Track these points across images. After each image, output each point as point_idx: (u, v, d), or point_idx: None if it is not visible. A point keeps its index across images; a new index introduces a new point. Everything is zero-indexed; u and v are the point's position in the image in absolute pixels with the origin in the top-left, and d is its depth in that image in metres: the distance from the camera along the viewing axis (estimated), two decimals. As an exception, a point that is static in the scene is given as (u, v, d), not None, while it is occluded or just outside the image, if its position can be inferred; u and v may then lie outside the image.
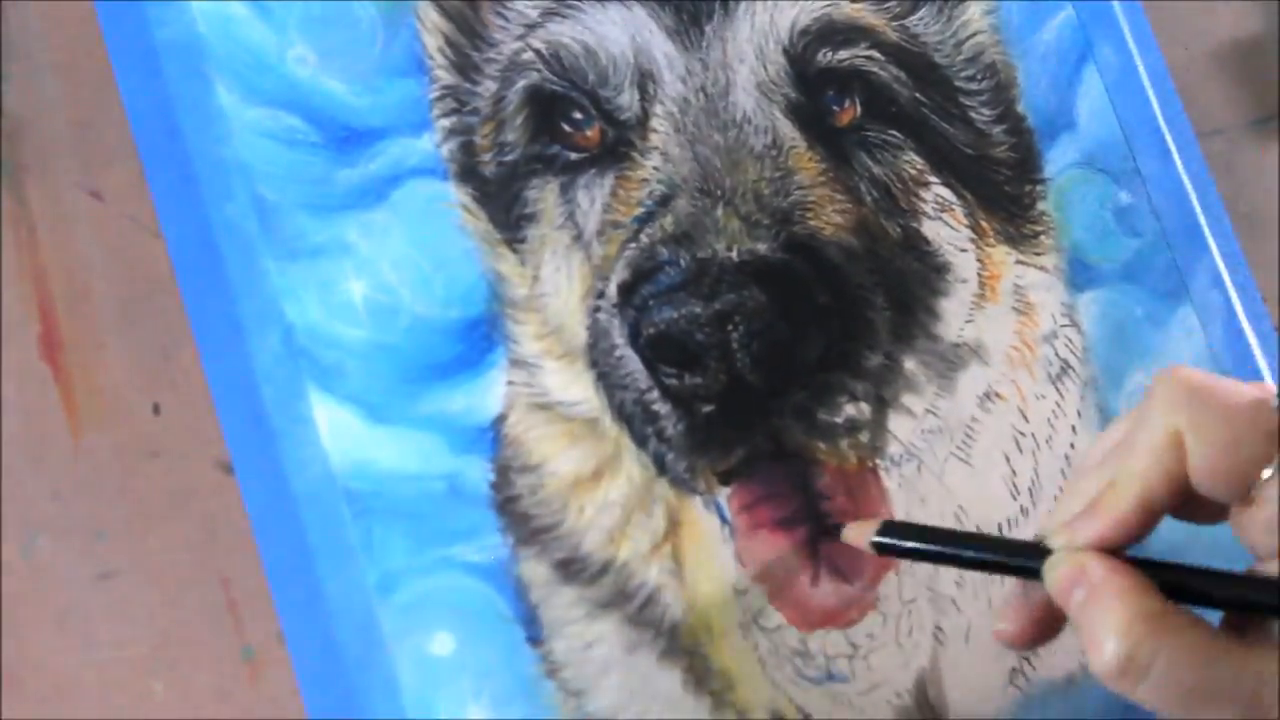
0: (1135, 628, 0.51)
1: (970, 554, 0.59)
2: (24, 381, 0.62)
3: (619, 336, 0.67)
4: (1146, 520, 0.54)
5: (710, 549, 0.68)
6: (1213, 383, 0.54)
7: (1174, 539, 0.57)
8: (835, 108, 0.73)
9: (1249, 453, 0.52)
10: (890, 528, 0.61)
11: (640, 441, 0.68)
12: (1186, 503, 0.55)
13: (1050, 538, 0.56)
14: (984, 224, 0.76)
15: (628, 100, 0.70)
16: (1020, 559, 0.57)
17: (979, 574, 0.70)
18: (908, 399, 0.71)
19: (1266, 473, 0.52)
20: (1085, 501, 0.56)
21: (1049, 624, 0.59)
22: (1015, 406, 0.74)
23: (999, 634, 0.59)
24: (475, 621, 0.64)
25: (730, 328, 0.65)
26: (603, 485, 0.68)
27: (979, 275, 0.75)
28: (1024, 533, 0.72)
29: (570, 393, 0.68)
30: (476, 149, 0.69)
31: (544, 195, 0.70)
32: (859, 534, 0.62)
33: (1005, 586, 0.70)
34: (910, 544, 0.60)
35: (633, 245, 0.68)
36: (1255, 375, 0.80)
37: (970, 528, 0.71)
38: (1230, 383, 0.55)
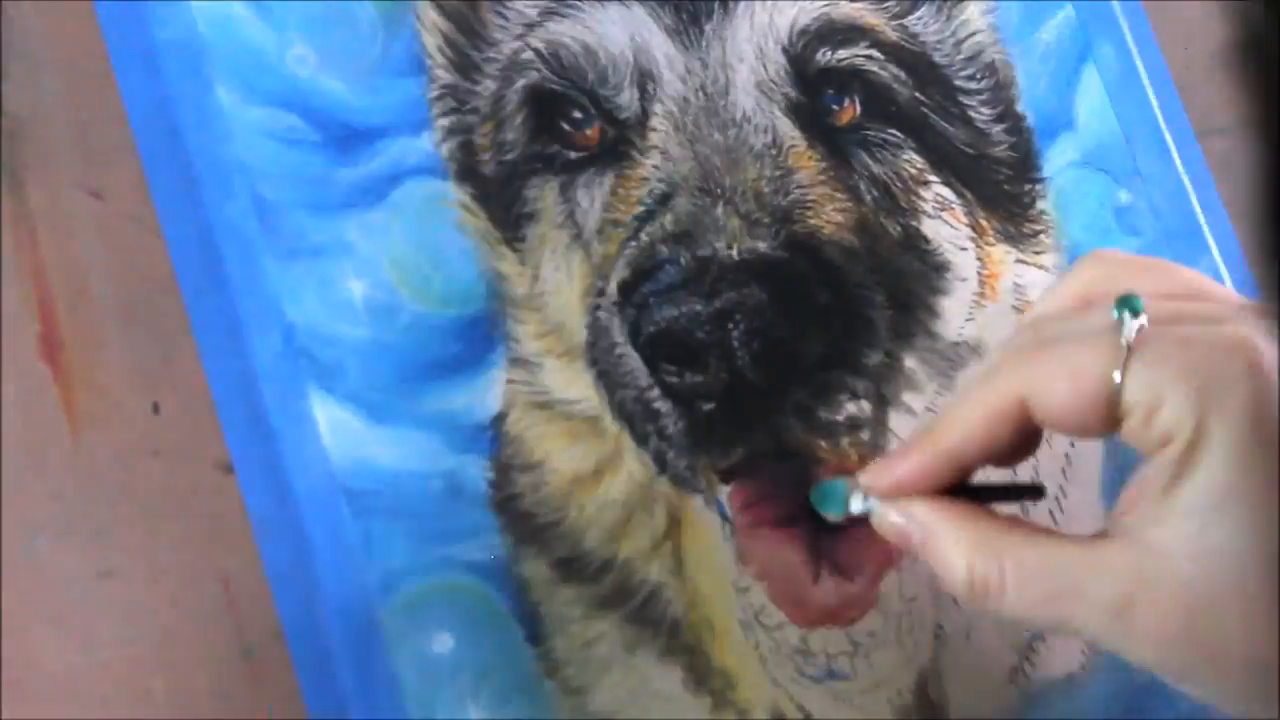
0: (975, 553, 0.53)
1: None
2: (24, 381, 0.62)
3: (619, 335, 0.67)
4: (953, 472, 0.56)
5: (711, 547, 0.68)
6: (1045, 342, 0.54)
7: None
8: (835, 107, 0.73)
9: (1099, 389, 0.52)
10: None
11: (641, 440, 0.68)
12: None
13: (862, 474, 0.57)
14: (984, 223, 0.76)
15: (627, 99, 0.70)
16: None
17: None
18: (908, 397, 0.71)
19: (1117, 379, 0.51)
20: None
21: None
22: (1015, 405, 0.74)
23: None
24: (475, 620, 0.64)
25: (730, 326, 0.65)
26: (603, 483, 0.68)
27: (979, 274, 0.75)
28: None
29: (570, 391, 0.68)
30: (476, 148, 0.69)
31: (544, 194, 0.70)
32: None
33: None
34: None
35: (633, 244, 0.68)
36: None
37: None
38: (1066, 325, 0.55)
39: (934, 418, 0.58)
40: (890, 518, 0.56)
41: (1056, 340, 0.54)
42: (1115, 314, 0.52)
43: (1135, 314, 0.52)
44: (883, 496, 0.57)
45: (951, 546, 0.54)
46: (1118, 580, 0.51)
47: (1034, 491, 0.64)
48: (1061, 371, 0.53)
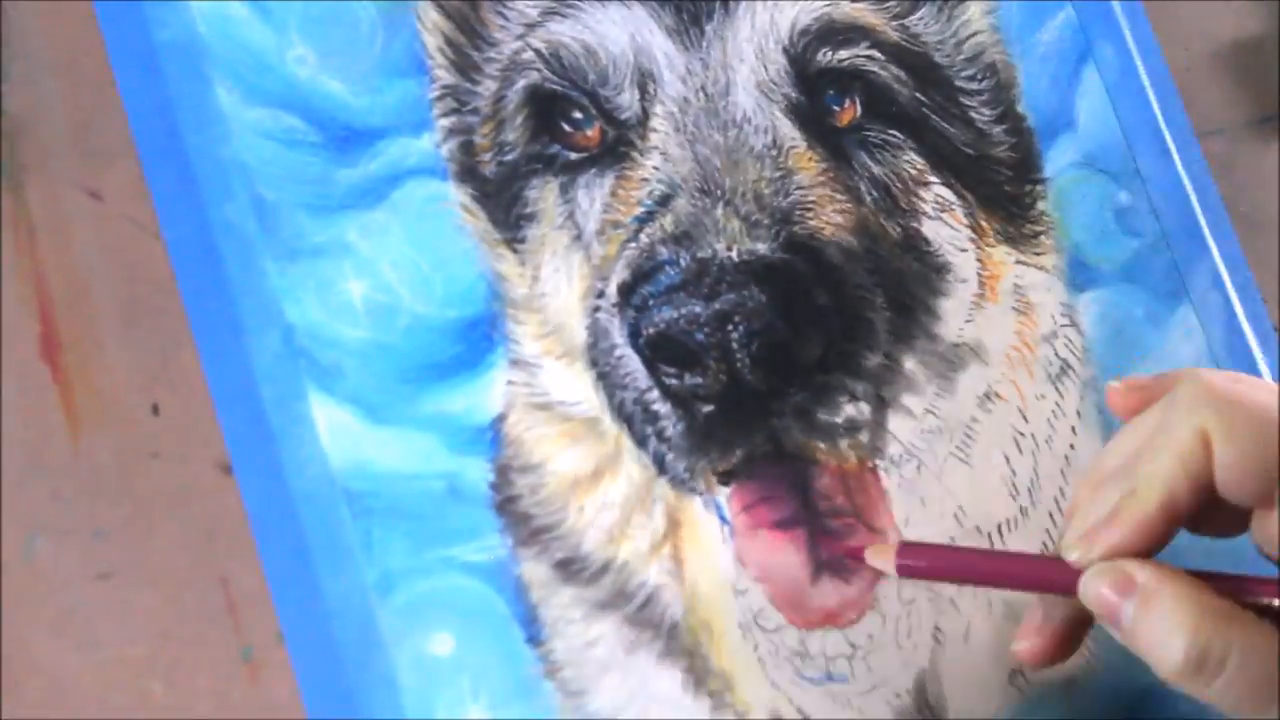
0: (1204, 625, 0.52)
1: (992, 574, 0.60)
2: (23, 382, 0.62)
3: (619, 336, 0.67)
4: (1169, 526, 0.55)
5: (710, 549, 0.68)
6: (1238, 383, 0.54)
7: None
8: (835, 107, 0.73)
9: (1275, 453, 0.52)
10: (909, 549, 0.62)
11: (640, 441, 0.68)
12: (1205, 511, 0.56)
13: (1067, 550, 0.56)
14: (984, 224, 0.76)
15: (628, 100, 0.70)
16: (1043, 576, 0.58)
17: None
18: (907, 399, 0.71)
19: None
20: (1104, 511, 0.56)
21: (1070, 639, 0.59)
22: (1015, 407, 0.74)
23: (1019, 653, 0.60)
24: (475, 622, 0.64)
25: (730, 328, 0.65)
26: (602, 485, 0.68)
27: (979, 275, 0.75)
28: (1025, 532, 0.73)
29: (570, 393, 0.68)
30: (476, 149, 0.69)
31: (544, 195, 0.70)
32: (880, 558, 0.63)
33: (1006, 590, 0.71)
34: (931, 564, 0.62)
35: (632, 245, 0.68)
36: (1254, 374, 0.80)
37: (970, 528, 0.72)
38: (1254, 381, 0.55)
39: (1109, 466, 0.58)
40: (1100, 587, 0.55)
41: (1245, 392, 0.54)
42: None
43: None
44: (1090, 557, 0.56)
45: (1174, 617, 0.52)
46: None
47: None
48: (1251, 422, 0.53)
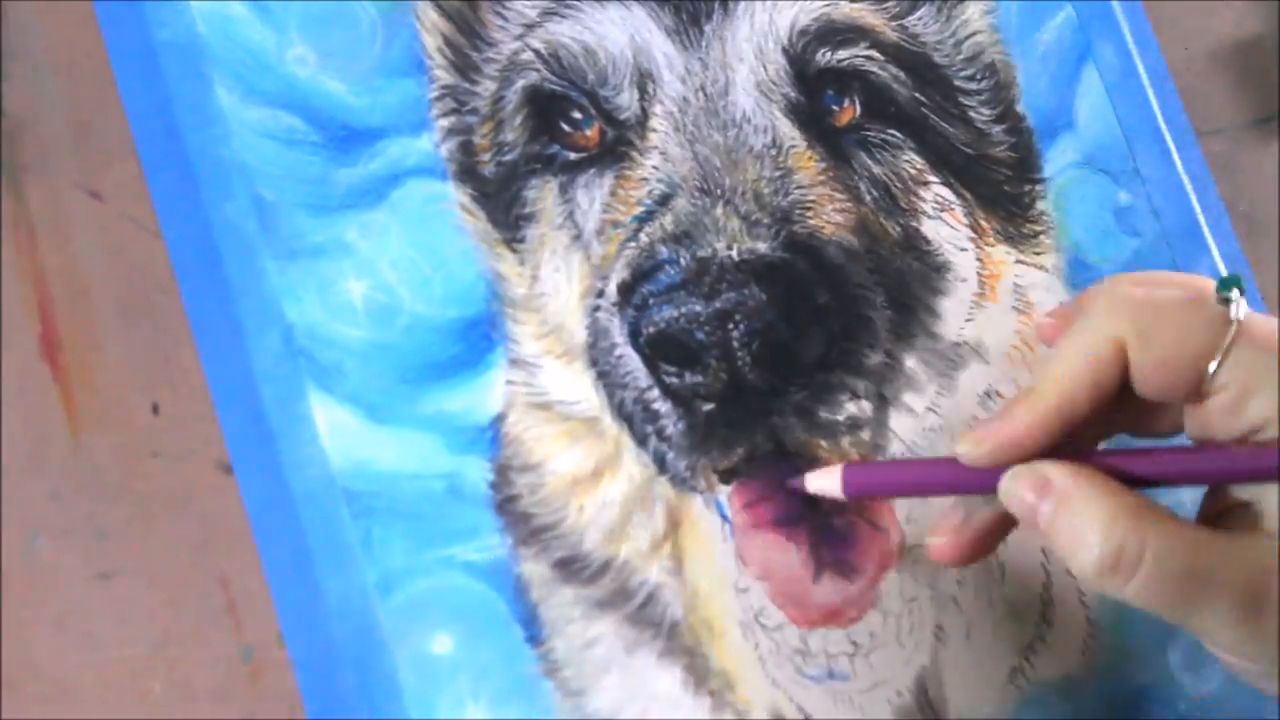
0: (1118, 523, 0.53)
1: (923, 481, 0.63)
2: (24, 381, 0.63)
3: (619, 335, 0.67)
4: (1063, 427, 0.56)
5: (710, 548, 0.68)
6: (1152, 288, 0.55)
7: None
8: (834, 107, 0.73)
9: (1196, 347, 0.54)
10: (851, 469, 0.64)
11: (640, 440, 0.68)
12: (1125, 415, 0.58)
13: (959, 444, 0.57)
14: (983, 223, 0.76)
15: (627, 100, 0.70)
16: (966, 477, 0.59)
17: (982, 574, 0.71)
18: (909, 397, 0.71)
19: (1214, 364, 0.53)
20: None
21: (983, 542, 0.61)
22: (1015, 406, 0.74)
23: (932, 549, 0.61)
24: (475, 621, 0.64)
25: (730, 326, 0.65)
26: (602, 484, 0.68)
27: (979, 274, 0.75)
28: (1025, 532, 0.72)
29: (570, 392, 0.68)
30: (475, 149, 0.69)
31: (543, 195, 0.70)
32: (823, 482, 0.63)
33: (1005, 585, 0.71)
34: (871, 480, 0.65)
35: (632, 244, 0.68)
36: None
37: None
38: (1168, 281, 0.56)
39: (1032, 379, 0.58)
40: (1018, 488, 0.55)
41: (1161, 296, 0.54)
42: (1219, 292, 0.54)
43: (1241, 293, 0.53)
44: (985, 464, 0.57)
45: (1089, 517, 0.53)
46: (1250, 569, 0.52)
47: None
48: (1167, 324, 0.54)
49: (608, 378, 0.68)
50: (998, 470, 0.57)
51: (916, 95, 0.75)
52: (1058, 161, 0.79)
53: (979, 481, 0.58)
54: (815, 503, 0.68)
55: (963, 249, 0.74)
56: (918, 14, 0.76)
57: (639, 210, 0.69)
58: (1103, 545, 0.52)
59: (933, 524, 0.62)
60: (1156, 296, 0.55)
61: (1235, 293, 0.54)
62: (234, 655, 0.63)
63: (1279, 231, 0.86)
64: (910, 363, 0.71)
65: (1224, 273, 0.80)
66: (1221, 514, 0.57)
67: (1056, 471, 0.55)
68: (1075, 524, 0.53)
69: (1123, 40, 0.82)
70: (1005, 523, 0.60)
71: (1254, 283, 0.81)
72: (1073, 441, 0.57)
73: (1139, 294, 0.55)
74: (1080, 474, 0.54)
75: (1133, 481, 0.55)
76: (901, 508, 0.70)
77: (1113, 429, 0.60)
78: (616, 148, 0.70)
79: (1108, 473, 0.55)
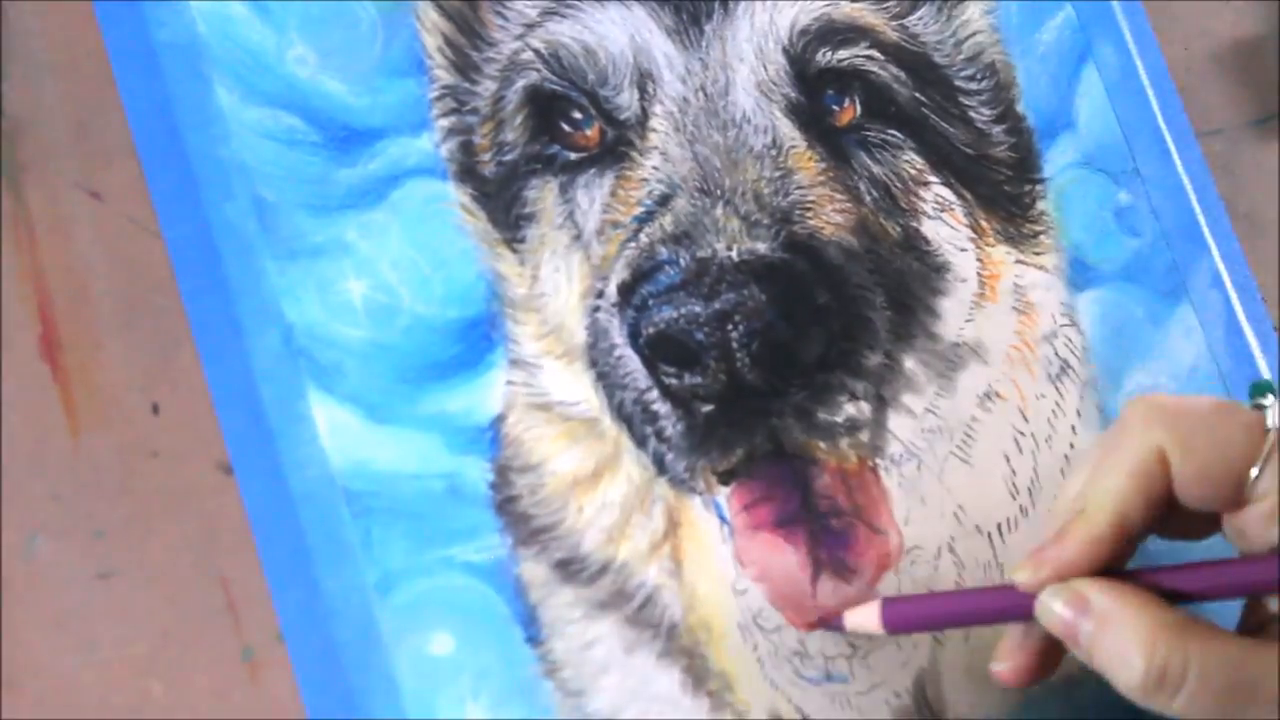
0: (1159, 642, 0.52)
1: (963, 613, 0.62)
2: (23, 381, 0.62)
3: (618, 336, 0.67)
4: (1120, 544, 0.56)
5: (709, 549, 0.68)
6: (1185, 399, 0.56)
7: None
8: (835, 107, 0.73)
9: (1236, 454, 0.54)
10: (890, 604, 0.64)
11: (639, 441, 0.68)
12: (1166, 521, 0.57)
13: (1016, 571, 0.58)
14: (984, 224, 0.76)
15: (627, 100, 0.70)
16: (1006, 606, 0.59)
17: (980, 575, 0.71)
18: (908, 398, 0.71)
19: (1255, 471, 0.53)
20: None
21: (1048, 656, 0.61)
22: (1015, 406, 0.74)
23: (999, 674, 0.61)
24: (474, 621, 0.64)
25: (730, 327, 0.65)
26: (602, 485, 0.68)
27: (979, 275, 0.75)
28: (1024, 532, 0.72)
29: (569, 392, 0.68)
30: (476, 149, 0.69)
31: (543, 195, 0.70)
32: (862, 619, 0.64)
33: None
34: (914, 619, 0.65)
35: (632, 245, 0.68)
36: (1255, 374, 0.80)
37: (970, 527, 0.72)
38: (1200, 397, 0.56)
39: (1069, 497, 0.58)
40: (1056, 608, 0.55)
41: (1195, 405, 0.55)
42: (1252, 397, 0.55)
43: (1276, 396, 0.53)
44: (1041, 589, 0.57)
45: (1130, 635, 0.53)
46: None
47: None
48: (1205, 432, 0.54)
49: (607, 378, 0.68)
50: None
51: (917, 95, 0.75)
52: (1058, 161, 0.79)
53: (1021, 606, 0.58)
54: (814, 505, 0.68)
55: (963, 249, 0.74)
56: (918, 14, 0.76)
57: (639, 210, 0.69)
58: (1147, 664, 0.52)
59: (996, 650, 0.62)
60: (1190, 405, 0.56)
61: (1270, 398, 0.54)
62: (234, 655, 0.63)
63: (1279, 231, 0.86)
64: (909, 363, 0.71)
65: (1225, 273, 0.80)
66: (1263, 624, 0.57)
67: (1094, 589, 0.55)
68: (1117, 643, 0.54)
69: (1123, 40, 0.82)
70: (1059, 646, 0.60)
71: (1254, 282, 0.81)
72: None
73: (1173, 403, 0.56)
74: (1118, 591, 0.54)
75: (1170, 596, 0.55)
76: (900, 510, 0.70)
77: (1147, 533, 0.60)
78: (616, 148, 0.70)
79: (1144, 588, 0.55)
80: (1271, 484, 0.53)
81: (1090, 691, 0.72)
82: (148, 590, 0.62)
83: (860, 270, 0.70)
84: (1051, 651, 0.60)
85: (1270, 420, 0.54)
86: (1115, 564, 0.57)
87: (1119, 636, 0.53)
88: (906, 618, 0.64)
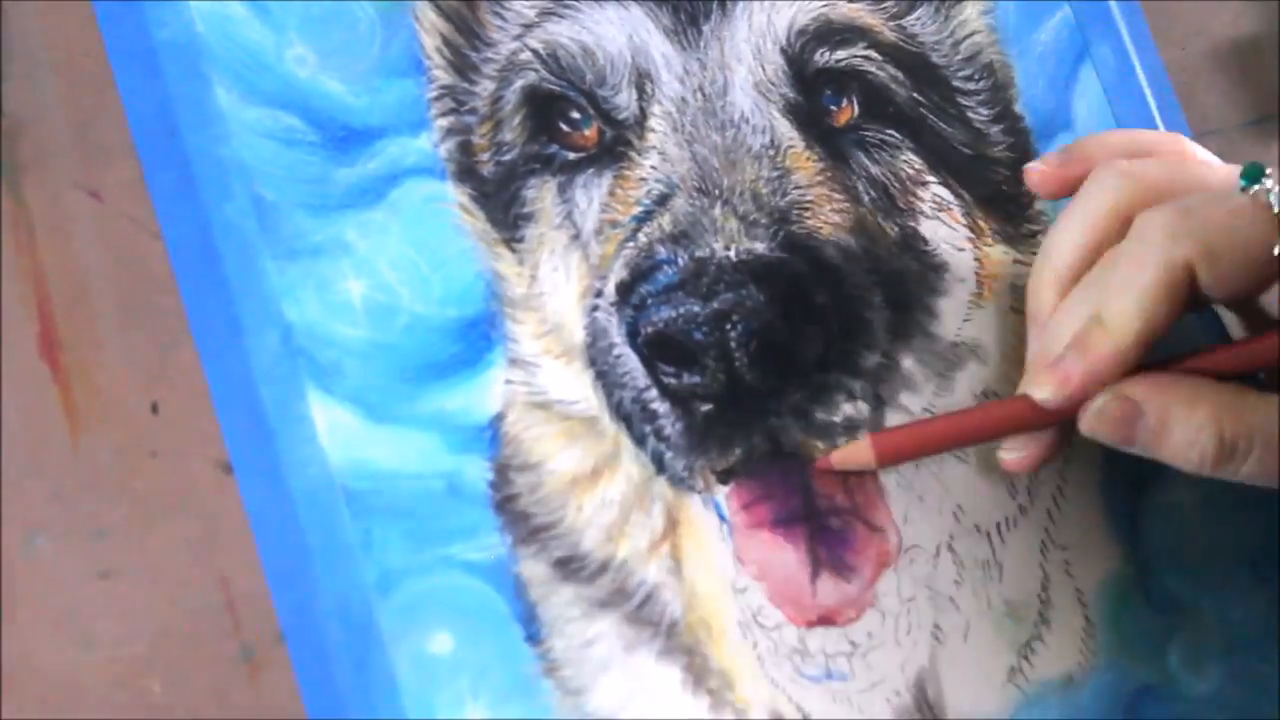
0: (1225, 419, 0.57)
1: (967, 431, 0.65)
2: (23, 381, 0.63)
3: (617, 335, 0.67)
4: (1140, 356, 0.59)
5: (709, 548, 0.68)
6: (1198, 207, 0.58)
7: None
8: (833, 107, 0.73)
9: (1257, 246, 0.58)
10: (880, 438, 0.66)
11: (638, 440, 0.68)
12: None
13: (1038, 387, 0.61)
14: (981, 223, 0.76)
15: (625, 100, 0.70)
16: (1020, 417, 0.63)
17: (979, 574, 0.71)
18: (906, 398, 0.71)
19: (1278, 249, 0.57)
20: (1067, 337, 0.61)
21: (1057, 443, 0.65)
22: (1013, 405, 0.74)
23: (1009, 462, 0.65)
24: (474, 620, 0.64)
25: (728, 327, 0.65)
26: (601, 484, 0.68)
27: (976, 274, 0.75)
28: (1023, 530, 0.73)
29: (568, 391, 0.68)
30: (474, 148, 0.69)
31: (542, 195, 0.70)
32: (853, 456, 0.66)
33: (1003, 585, 0.71)
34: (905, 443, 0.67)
35: (630, 244, 0.68)
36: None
37: (969, 525, 0.72)
38: (1209, 199, 0.59)
39: (1089, 314, 0.60)
40: (1110, 413, 0.59)
41: (1216, 215, 0.57)
42: (1245, 183, 0.59)
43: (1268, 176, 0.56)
44: (1068, 404, 0.60)
45: (1194, 422, 0.57)
46: None
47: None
48: (1228, 239, 0.57)
49: (606, 377, 0.68)
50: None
51: (915, 95, 0.75)
52: (1056, 161, 0.79)
53: (1033, 418, 0.62)
54: (813, 503, 0.68)
55: (961, 249, 0.74)
56: (915, 14, 0.76)
57: (637, 210, 0.69)
58: (1214, 441, 0.56)
59: (1005, 442, 0.65)
60: (1207, 214, 0.58)
61: (1270, 182, 0.56)
62: (234, 654, 0.63)
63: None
64: (907, 363, 0.71)
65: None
66: None
67: (1143, 391, 0.58)
68: (1174, 435, 0.57)
69: (1120, 40, 0.82)
70: (1067, 429, 0.63)
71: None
72: None
73: (1189, 214, 0.58)
74: (1165, 384, 0.58)
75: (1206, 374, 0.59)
76: (899, 508, 0.70)
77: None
78: (615, 148, 0.70)
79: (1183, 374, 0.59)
80: None
81: (1089, 691, 0.72)
82: (147, 589, 0.62)
83: (858, 270, 0.70)
84: (1057, 440, 0.64)
85: (1275, 201, 0.56)
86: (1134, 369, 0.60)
87: (1181, 425, 0.57)
88: (899, 447, 0.66)
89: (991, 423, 0.65)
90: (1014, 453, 0.65)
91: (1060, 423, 0.63)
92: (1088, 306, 0.60)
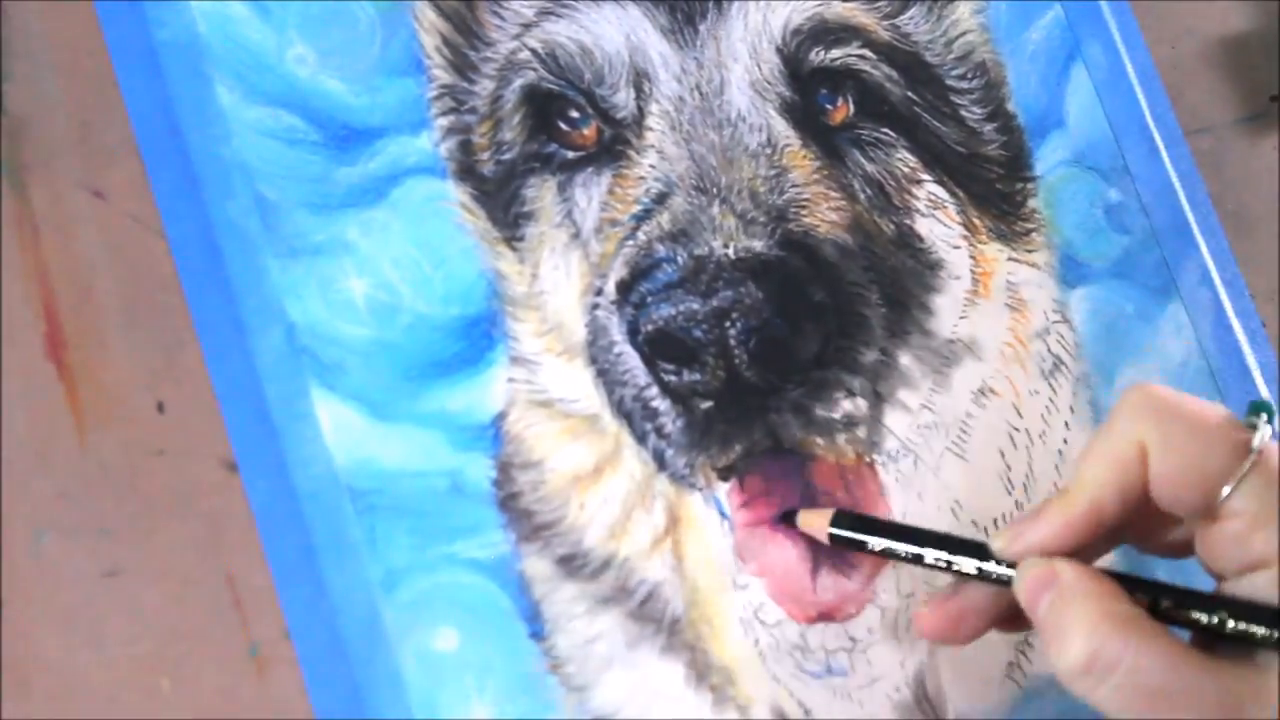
0: (1102, 627, 0.52)
1: (917, 552, 0.61)
2: (29, 380, 0.63)
3: (617, 333, 0.68)
4: (1093, 530, 0.56)
5: (710, 544, 0.68)
6: (1180, 398, 0.55)
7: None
8: (828, 106, 0.73)
9: (1215, 466, 0.53)
10: (842, 519, 0.64)
11: (640, 438, 0.68)
12: (1141, 524, 0.57)
13: (993, 539, 0.58)
14: (976, 221, 0.76)
15: (624, 99, 0.70)
16: (973, 560, 0.59)
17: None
18: (903, 395, 0.71)
19: (1227, 489, 0.52)
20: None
21: (968, 627, 0.60)
22: (1009, 402, 0.75)
23: (916, 618, 0.61)
24: (478, 617, 0.65)
25: (728, 324, 0.65)
26: (603, 481, 0.68)
27: (972, 272, 0.75)
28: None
29: (570, 389, 0.68)
30: (474, 148, 0.70)
31: (542, 193, 0.70)
32: (813, 522, 0.64)
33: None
34: (862, 537, 0.63)
35: (630, 243, 0.68)
36: (1244, 371, 0.80)
37: (967, 522, 0.72)
38: (1197, 400, 0.56)
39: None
40: (1027, 575, 0.56)
41: (1188, 407, 0.54)
42: (1249, 415, 0.54)
43: (1269, 421, 0.53)
44: (1015, 559, 0.57)
45: (1078, 616, 0.53)
46: (1224, 698, 0.51)
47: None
48: (1189, 436, 0.54)
49: (607, 375, 0.68)
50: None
51: (909, 94, 0.75)
52: (1048, 159, 0.80)
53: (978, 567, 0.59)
54: (813, 500, 0.69)
55: (956, 247, 0.75)
56: (909, 14, 0.76)
57: (636, 209, 0.69)
58: (1083, 646, 0.52)
59: (930, 599, 0.62)
60: (1183, 406, 0.55)
61: (1263, 419, 0.54)
62: (241, 651, 0.63)
63: (1267, 228, 0.87)
64: (905, 360, 0.72)
65: (1213, 269, 0.81)
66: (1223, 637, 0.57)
67: (1066, 568, 0.55)
68: (1064, 620, 0.53)
69: (1111, 39, 0.83)
70: (996, 615, 0.60)
71: (1242, 279, 0.82)
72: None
73: (1164, 398, 0.55)
74: (1086, 574, 0.54)
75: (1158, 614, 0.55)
76: (898, 504, 0.71)
77: (1124, 538, 0.60)
78: (614, 146, 0.70)
79: (1121, 583, 0.55)
80: (1244, 504, 0.53)
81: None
82: (154, 588, 0.62)
83: (855, 267, 0.70)
84: (978, 616, 0.60)
85: (1256, 441, 0.53)
86: (1092, 554, 0.57)
87: (1068, 615, 0.53)
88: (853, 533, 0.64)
89: (953, 551, 0.61)
90: (928, 613, 0.61)
91: (986, 611, 0.60)
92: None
